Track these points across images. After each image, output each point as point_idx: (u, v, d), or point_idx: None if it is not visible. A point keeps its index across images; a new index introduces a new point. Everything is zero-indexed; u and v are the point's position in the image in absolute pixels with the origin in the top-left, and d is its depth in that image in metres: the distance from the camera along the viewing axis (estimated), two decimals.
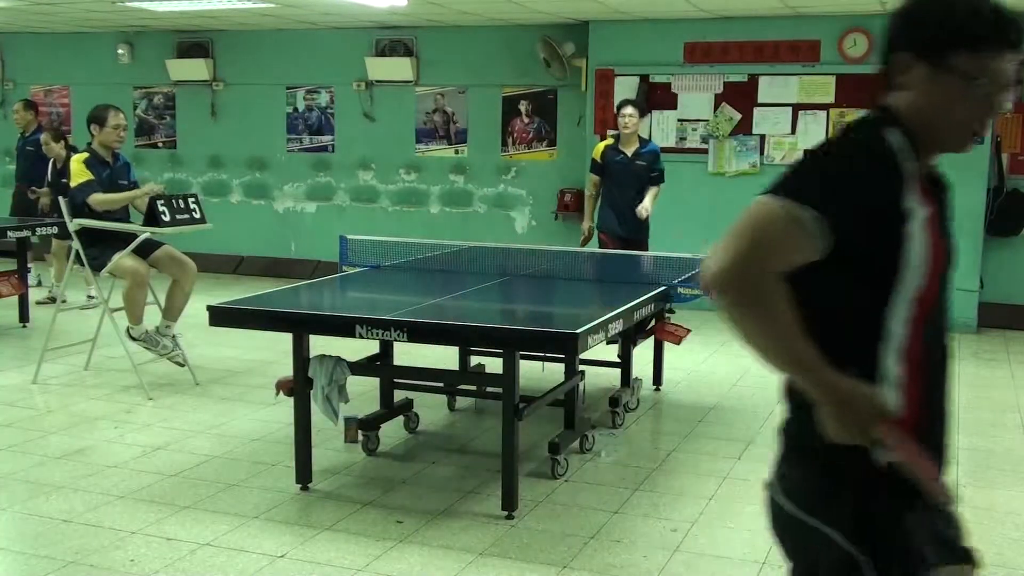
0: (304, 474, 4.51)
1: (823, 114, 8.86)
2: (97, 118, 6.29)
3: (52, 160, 8.57)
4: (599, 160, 7.40)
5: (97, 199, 6.06)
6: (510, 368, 4.13)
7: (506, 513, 4.18)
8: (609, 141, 7.44)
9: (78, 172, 6.10)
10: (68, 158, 9.35)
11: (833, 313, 1.73)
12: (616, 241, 7.23)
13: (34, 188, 8.95)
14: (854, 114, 8.72)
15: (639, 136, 7.37)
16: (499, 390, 4.25)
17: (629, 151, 7.28)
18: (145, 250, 6.19)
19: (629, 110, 7.22)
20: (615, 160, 7.33)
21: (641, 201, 7.21)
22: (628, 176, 7.28)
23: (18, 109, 9.50)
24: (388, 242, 6.17)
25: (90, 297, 8.70)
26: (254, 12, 9.48)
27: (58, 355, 6.72)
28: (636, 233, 7.26)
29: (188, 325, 6.49)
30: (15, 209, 9.34)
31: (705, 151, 9.13)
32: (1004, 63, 1.70)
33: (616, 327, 4.44)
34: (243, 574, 3.63)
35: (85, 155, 6.20)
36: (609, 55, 9.39)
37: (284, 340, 4.69)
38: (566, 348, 4.08)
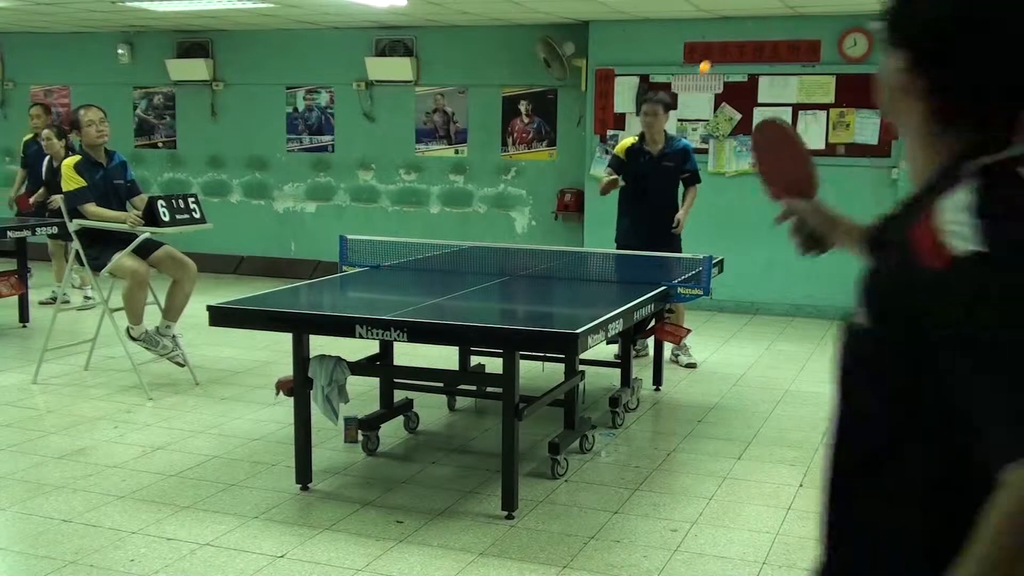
0: (304, 474, 4.51)
1: (823, 114, 8.86)
2: (74, 122, 6.31)
3: (49, 157, 8.53)
4: (623, 157, 6.77)
5: (88, 211, 6.06)
6: (510, 368, 4.13)
7: (506, 513, 4.18)
8: (633, 140, 6.86)
9: (69, 178, 6.09)
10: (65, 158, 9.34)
11: None
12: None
13: (31, 200, 8.86)
14: (854, 114, 8.76)
15: (665, 132, 6.82)
16: (499, 390, 4.25)
17: (655, 150, 6.75)
18: (145, 250, 6.19)
19: (645, 107, 6.70)
20: (639, 161, 6.72)
21: (669, 209, 6.72)
22: (654, 179, 6.74)
23: (39, 114, 9.31)
24: (388, 242, 6.17)
25: (87, 298, 8.69)
26: (254, 12, 9.48)
27: (58, 355, 6.72)
28: (660, 242, 6.55)
29: (188, 325, 6.49)
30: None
31: (705, 151, 9.13)
32: None
33: (616, 327, 4.44)
34: (243, 574, 3.63)
35: (77, 159, 6.19)
36: (609, 55, 9.39)
37: (284, 340, 4.69)
38: (566, 348, 4.08)
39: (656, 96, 6.88)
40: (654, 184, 6.78)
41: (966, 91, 1.26)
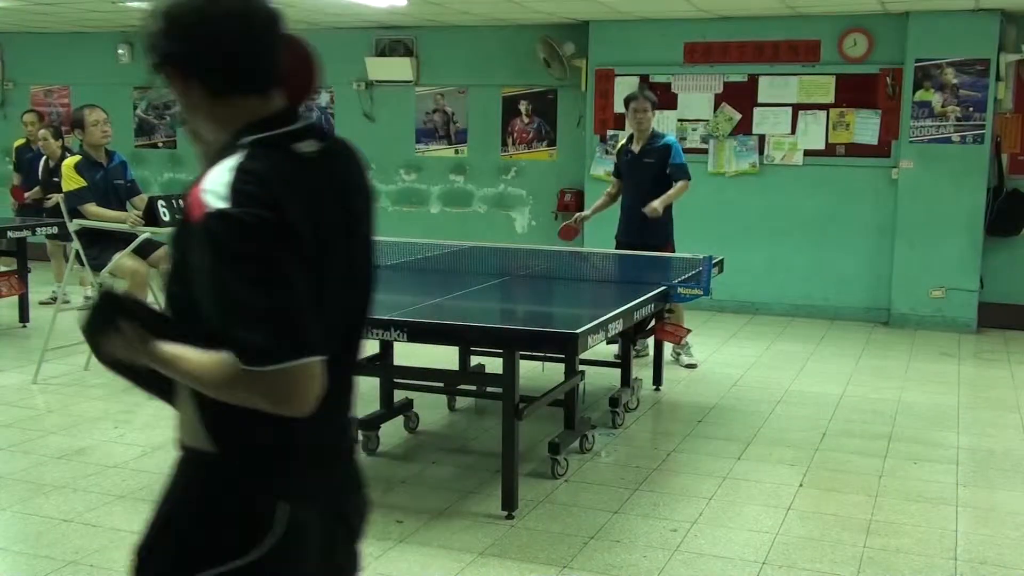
0: None
1: (823, 114, 8.85)
2: (77, 121, 6.30)
3: (45, 158, 8.50)
4: (616, 159, 7.05)
5: (89, 211, 6.07)
6: (510, 368, 4.13)
7: (506, 513, 4.18)
8: (624, 141, 7.04)
9: (69, 178, 6.10)
10: (63, 158, 9.31)
11: None
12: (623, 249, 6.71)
13: (27, 195, 8.84)
14: (854, 114, 8.75)
15: (653, 130, 6.86)
16: (499, 390, 4.25)
17: (637, 148, 6.84)
18: (145, 250, 6.19)
19: (634, 104, 6.75)
20: (624, 160, 6.94)
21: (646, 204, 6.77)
22: (634, 176, 6.85)
23: (34, 121, 9.24)
24: (388, 242, 6.17)
25: (87, 298, 8.69)
26: None
27: (58, 355, 6.71)
28: (643, 238, 6.67)
29: None
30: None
31: (705, 151, 9.13)
32: None
33: (616, 327, 4.44)
34: None
35: (77, 159, 6.20)
36: (609, 55, 9.39)
37: None
38: (566, 348, 4.08)
39: (644, 93, 6.98)
40: (633, 181, 6.89)
41: (219, 83, 1.66)
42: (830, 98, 8.83)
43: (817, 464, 4.98)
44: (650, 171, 6.78)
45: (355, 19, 9.87)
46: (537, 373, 5.71)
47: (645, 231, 6.73)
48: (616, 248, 6.89)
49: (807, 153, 8.96)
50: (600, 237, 9.21)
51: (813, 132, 8.90)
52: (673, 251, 6.70)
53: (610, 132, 9.46)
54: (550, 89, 10.02)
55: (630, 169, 6.90)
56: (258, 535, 1.68)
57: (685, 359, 7.04)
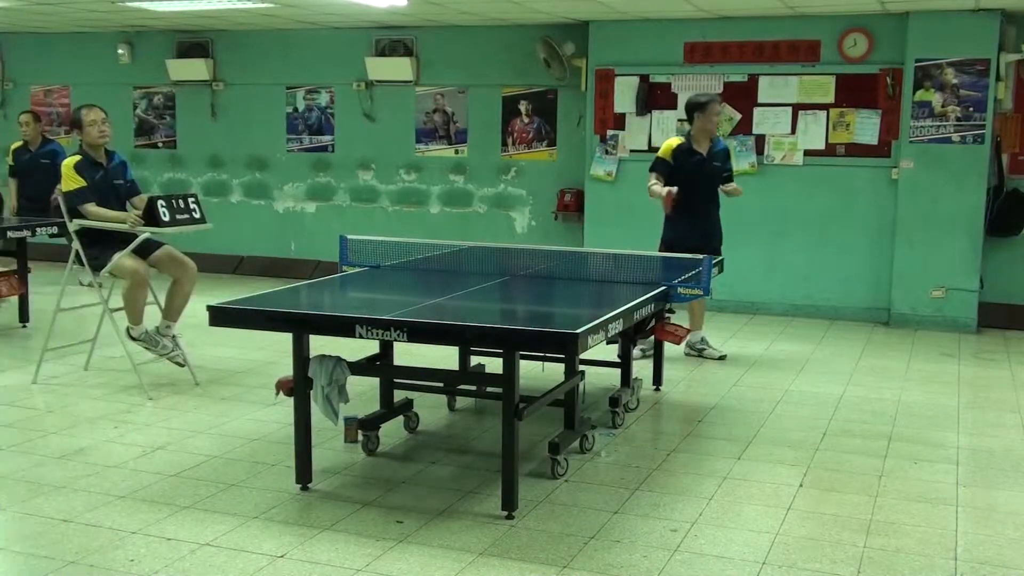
0: (304, 474, 4.51)
1: (823, 114, 8.86)
2: (76, 121, 6.29)
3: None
4: (670, 161, 6.81)
5: (88, 211, 6.06)
6: (510, 368, 4.13)
7: (506, 513, 4.18)
8: (679, 140, 6.95)
9: (69, 177, 6.08)
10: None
11: None
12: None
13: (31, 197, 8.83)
14: (854, 114, 8.76)
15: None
16: (499, 390, 4.25)
17: (704, 151, 6.92)
18: (145, 250, 6.19)
19: (713, 107, 6.84)
20: (691, 161, 6.82)
21: (716, 208, 6.93)
22: (704, 178, 6.88)
23: (28, 121, 9.23)
24: (388, 242, 6.17)
25: (83, 283, 8.56)
26: (254, 12, 9.48)
27: (58, 355, 6.72)
28: (712, 240, 6.84)
29: (188, 325, 6.48)
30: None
31: None
32: None
33: (616, 327, 4.44)
34: (243, 574, 3.63)
35: (77, 159, 6.18)
36: (609, 55, 9.39)
37: (284, 340, 4.69)
38: (566, 348, 4.08)
39: (717, 96, 7.14)
40: (704, 184, 6.93)
41: None
42: (830, 98, 8.83)
43: (817, 464, 4.98)
44: (718, 173, 6.97)
45: (355, 19, 9.87)
46: (537, 373, 5.71)
47: (715, 234, 6.95)
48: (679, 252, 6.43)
49: (807, 153, 8.96)
50: (601, 237, 9.22)
51: (813, 132, 8.91)
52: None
53: (610, 132, 9.46)
54: (550, 89, 10.03)
55: (700, 171, 6.88)
56: None
57: (712, 352, 7.15)
